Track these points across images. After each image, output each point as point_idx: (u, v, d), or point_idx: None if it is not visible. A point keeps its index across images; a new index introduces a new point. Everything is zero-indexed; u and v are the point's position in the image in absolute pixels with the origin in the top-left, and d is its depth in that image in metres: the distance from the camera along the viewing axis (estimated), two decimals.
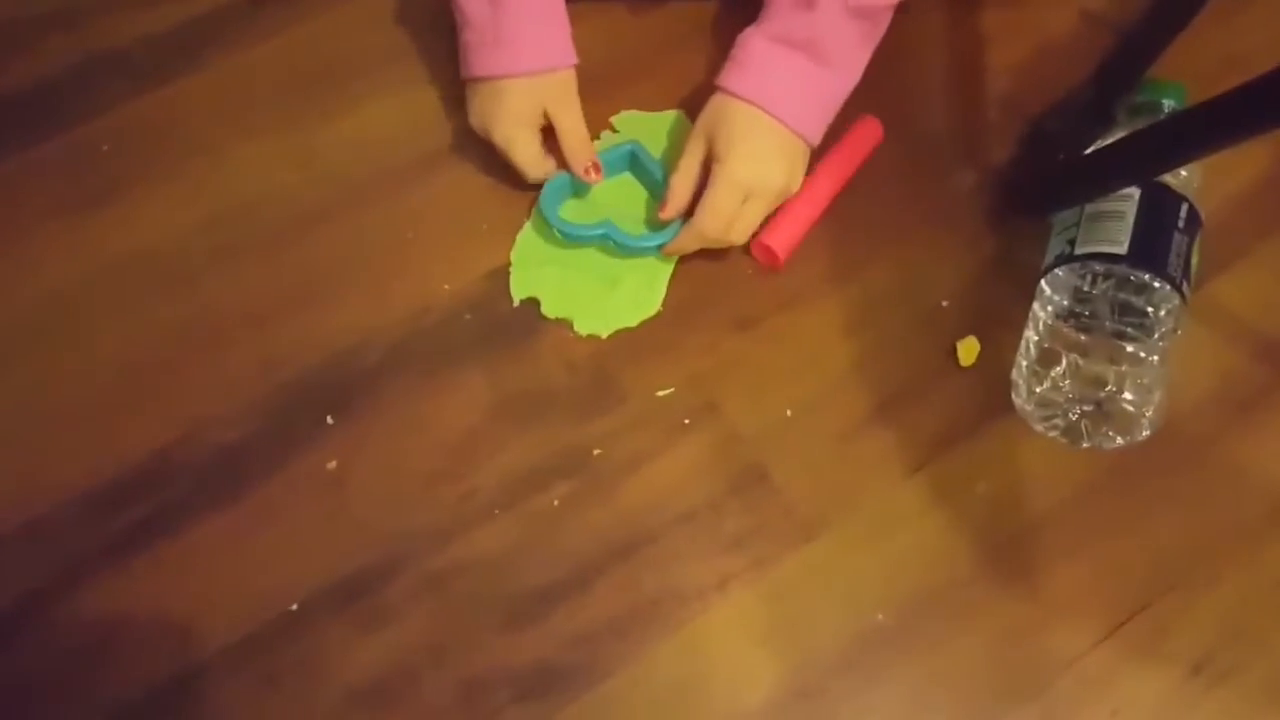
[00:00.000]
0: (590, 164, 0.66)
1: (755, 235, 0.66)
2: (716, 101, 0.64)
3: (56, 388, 0.63)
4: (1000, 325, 0.65)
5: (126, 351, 0.64)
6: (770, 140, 0.63)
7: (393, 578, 0.58)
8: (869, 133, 0.70)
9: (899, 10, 0.64)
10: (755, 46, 0.64)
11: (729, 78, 0.64)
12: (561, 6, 0.66)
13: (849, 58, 0.65)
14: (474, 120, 0.67)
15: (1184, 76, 0.68)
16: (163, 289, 0.66)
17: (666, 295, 0.66)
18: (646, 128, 0.71)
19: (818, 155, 0.68)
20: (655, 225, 0.67)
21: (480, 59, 0.65)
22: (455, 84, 0.71)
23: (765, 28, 0.64)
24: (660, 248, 0.66)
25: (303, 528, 0.59)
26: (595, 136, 0.71)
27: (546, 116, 0.65)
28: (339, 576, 0.57)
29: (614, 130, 0.71)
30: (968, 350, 0.64)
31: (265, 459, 0.60)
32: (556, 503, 0.60)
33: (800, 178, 0.65)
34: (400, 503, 0.60)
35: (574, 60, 0.66)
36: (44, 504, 0.59)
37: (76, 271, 0.66)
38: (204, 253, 0.67)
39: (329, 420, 0.61)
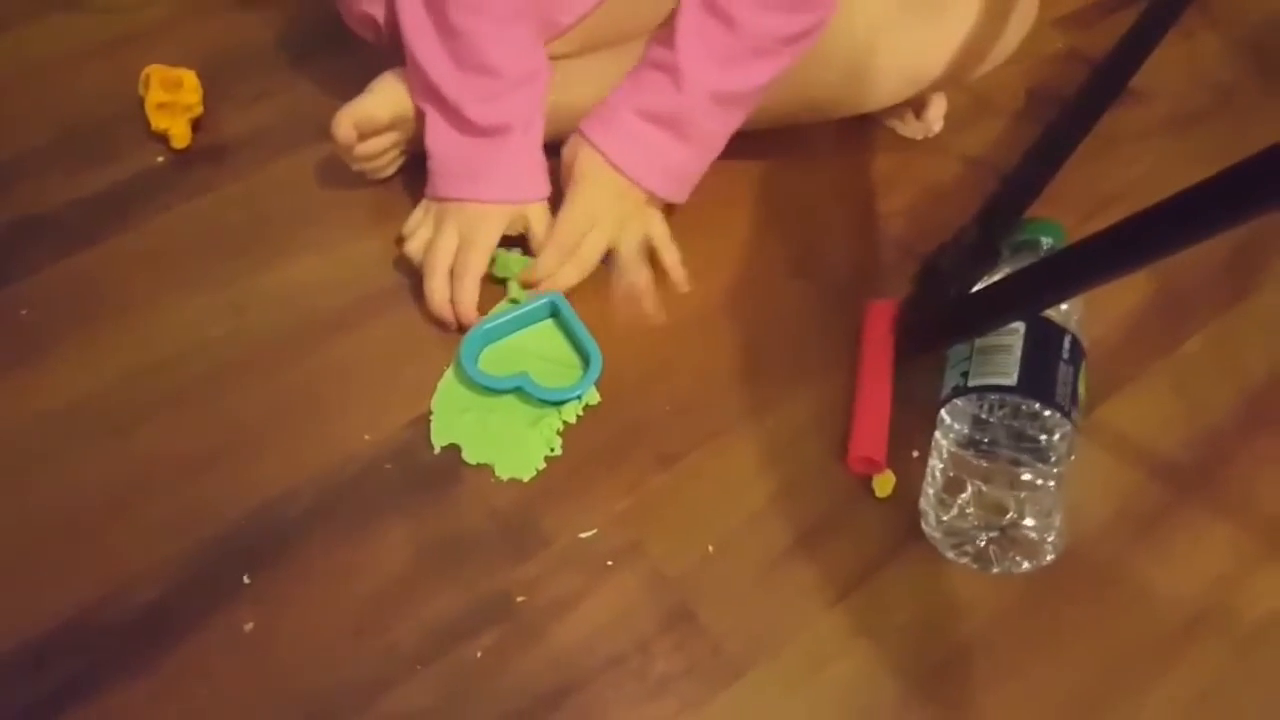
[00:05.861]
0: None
1: (849, 453, 0.66)
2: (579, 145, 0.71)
3: None
4: (910, 455, 0.67)
5: (47, 510, 0.62)
6: (612, 188, 0.70)
7: None
8: (883, 312, 0.72)
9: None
10: (623, 118, 0.69)
11: (594, 131, 0.70)
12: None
13: (713, 138, 0.71)
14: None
15: (1060, 214, 0.74)
16: (86, 446, 0.65)
17: (589, 435, 0.67)
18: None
19: (857, 354, 0.70)
20: (573, 374, 0.69)
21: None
22: (376, 240, 0.74)
23: (631, 100, 0.69)
24: (579, 398, 0.68)
25: (221, 692, 0.57)
26: None
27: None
28: None
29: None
30: (883, 483, 0.66)
31: (183, 620, 0.59)
32: (480, 653, 0.59)
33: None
34: (320, 661, 0.58)
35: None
36: None
37: None
38: (128, 408, 0.67)
39: (245, 580, 0.60)
